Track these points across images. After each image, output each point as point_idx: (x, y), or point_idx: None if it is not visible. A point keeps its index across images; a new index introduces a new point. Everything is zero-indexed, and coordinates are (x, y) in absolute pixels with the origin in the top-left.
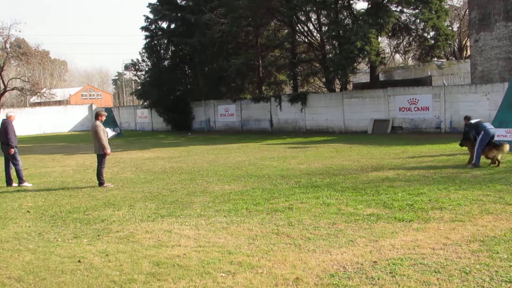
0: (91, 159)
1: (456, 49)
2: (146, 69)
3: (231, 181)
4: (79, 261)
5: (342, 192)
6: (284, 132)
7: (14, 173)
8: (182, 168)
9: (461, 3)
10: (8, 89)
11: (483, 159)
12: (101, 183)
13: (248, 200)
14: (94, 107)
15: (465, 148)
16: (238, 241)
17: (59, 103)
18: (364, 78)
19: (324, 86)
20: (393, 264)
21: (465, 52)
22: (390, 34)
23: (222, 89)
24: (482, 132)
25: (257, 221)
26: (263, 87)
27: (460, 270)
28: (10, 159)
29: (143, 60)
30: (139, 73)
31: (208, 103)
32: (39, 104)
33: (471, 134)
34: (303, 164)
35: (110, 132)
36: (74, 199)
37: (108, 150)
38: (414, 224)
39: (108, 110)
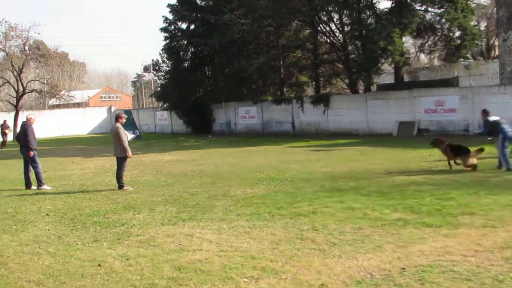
0: (111, 161)
1: (483, 49)
2: (166, 70)
3: (253, 184)
4: (99, 265)
5: (367, 196)
6: (307, 134)
7: (33, 176)
8: (203, 171)
9: (488, 1)
10: (27, 91)
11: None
12: (120, 186)
13: (271, 204)
14: (113, 109)
15: (492, 151)
16: (261, 246)
17: (78, 105)
18: (388, 79)
19: (347, 87)
20: (422, 271)
21: (493, 51)
22: (414, 34)
23: (243, 91)
24: (501, 135)
25: (281, 226)
26: (285, 89)
27: (492, 278)
28: (30, 162)
29: (163, 61)
30: (159, 73)
31: (228, 105)
32: (57, 106)
33: (485, 131)
34: (326, 167)
35: (129, 135)
36: (94, 202)
37: (130, 153)
38: (444, 230)
39: (128, 112)
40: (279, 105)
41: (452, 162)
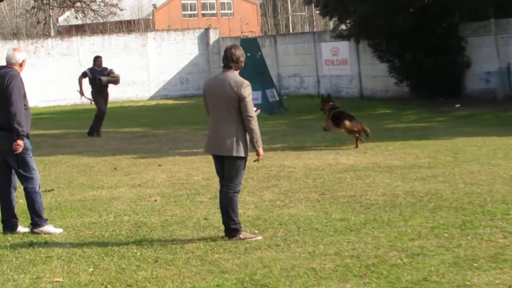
0: (206, 167)
1: None
2: None
3: None
4: None
5: None
6: None
7: (22, 201)
8: (437, 194)
9: None
10: None
11: None
12: (233, 231)
13: None
14: (213, 36)
15: None
16: None
17: (128, 27)
18: None
19: None
20: None
21: None
22: None
23: None
24: None
25: None
26: None
27: None
28: (15, 167)
29: None
30: None
31: (504, 26)
32: (80, 29)
33: None
34: None
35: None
36: (166, 268)
37: (261, 149)
38: None
39: (250, 44)
40: None
41: None
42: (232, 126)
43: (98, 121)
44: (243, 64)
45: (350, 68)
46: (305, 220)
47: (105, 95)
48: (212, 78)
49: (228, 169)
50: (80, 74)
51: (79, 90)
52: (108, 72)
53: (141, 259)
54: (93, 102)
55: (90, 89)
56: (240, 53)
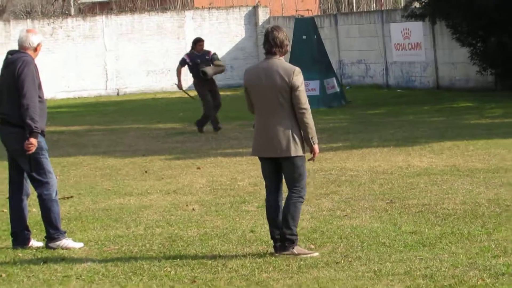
0: (255, 170)
1: None
2: None
3: None
4: None
5: None
6: None
7: (36, 210)
8: None
9: None
10: None
11: None
12: (288, 241)
13: None
14: (263, 15)
15: None
16: None
17: (163, 4)
18: None
19: None
20: None
21: None
22: None
23: None
24: None
25: None
26: None
27: None
28: (27, 170)
29: None
30: None
31: None
32: (105, 7)
33: None
34: None
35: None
36: None
37: (317, 146)
38: None
39: (307, 24)
40: None
41: None
42: (286, 121)
43: (205, 119)
44: (288, 49)
45: (424, 54)
46: (370, 233)
47: (213, 87)
48: (254, 67)
49: (289, 172)
50: (178, 63)
51: (177, 83)
52: (211, 58)
53: (175, 279)
54: (195, 98)
55: (192, 80)
56: (283, 35)
